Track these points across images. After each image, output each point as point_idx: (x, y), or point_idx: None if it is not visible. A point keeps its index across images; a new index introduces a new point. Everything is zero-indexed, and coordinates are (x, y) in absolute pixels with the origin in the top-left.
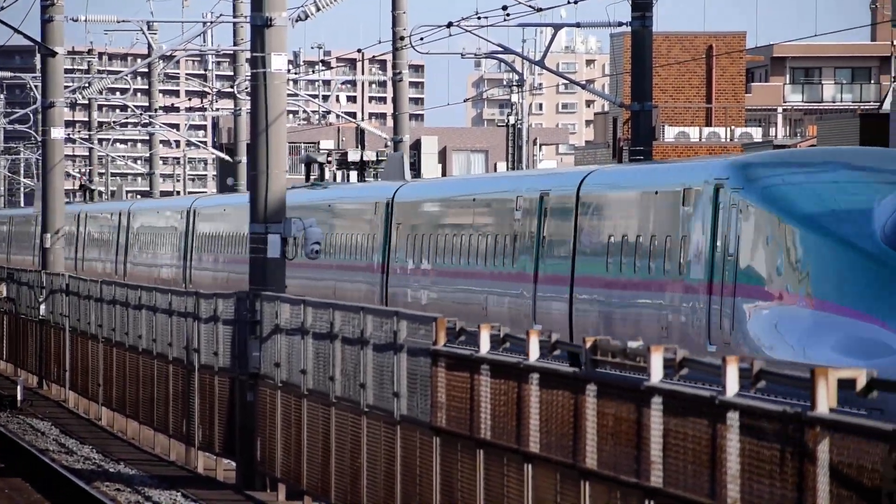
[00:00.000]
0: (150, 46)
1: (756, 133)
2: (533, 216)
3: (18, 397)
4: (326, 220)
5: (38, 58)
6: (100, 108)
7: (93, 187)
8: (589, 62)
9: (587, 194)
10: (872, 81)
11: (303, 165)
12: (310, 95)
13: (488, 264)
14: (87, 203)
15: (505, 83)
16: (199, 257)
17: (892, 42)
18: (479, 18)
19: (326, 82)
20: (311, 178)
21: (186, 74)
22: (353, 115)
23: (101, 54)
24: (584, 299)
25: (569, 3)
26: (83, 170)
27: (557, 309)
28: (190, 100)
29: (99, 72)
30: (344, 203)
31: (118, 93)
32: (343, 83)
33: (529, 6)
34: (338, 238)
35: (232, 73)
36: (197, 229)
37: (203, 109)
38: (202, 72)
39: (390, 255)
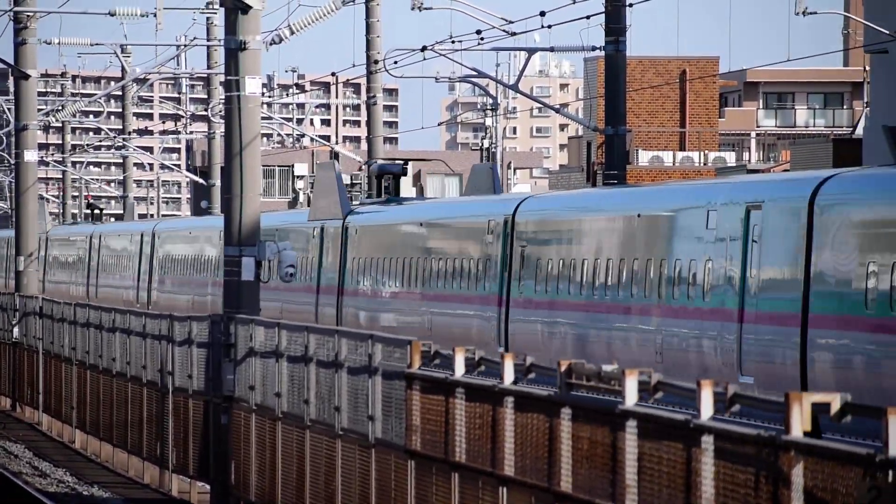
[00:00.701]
0: (123, 69)
1: (730, 157)
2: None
3: None
4: (414, 241)
5: (11, 80)
6: (73, 130)
7: (101, 206)
8: (563, 86)
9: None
10: (845, 107)
11: (335, 180)
12: (284, 118)
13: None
14: (98, 223)
15: (479, 107)
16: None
17: (865, 68)
18: (452, 42)
19: (301, 105)
20: (384, 193)
21: (160, 97)
22: (328, 138)
23: (74, 77)
24: None
25: (543, 27)
26: (57, 193)
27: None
28: (164, 123)
29: (72, 94)
30: (442, 221)
31: (91, 115)
32: (317, 106)
33: (503, 30)
34: (434, 263)
35: (206, 97)
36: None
37: (177, 132)
38: (176, 95)
39: (511, 283)
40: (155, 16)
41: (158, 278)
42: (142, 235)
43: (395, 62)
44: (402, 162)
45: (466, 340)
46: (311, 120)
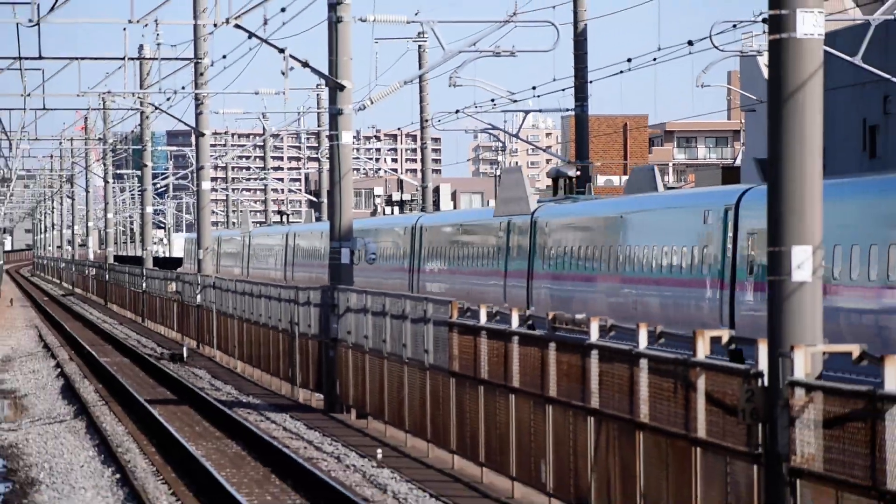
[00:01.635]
0: (264, 129)
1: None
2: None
3: (184, 355)
4: (613, 230)
5: (193, 137)
6: (232, 168)
7: (287, 212)
8: (548, 134)
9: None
10: (729, 146)
11: (522, 181)
12: (367, 158)
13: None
14: (287, 224)
15: (493, 148)
16: (425, 266)
17: (741, 121)
18: (476, 107)
19: (378, 149)
20: (559, 192)
21: (288, 145)
22: (395, 170)
23: (233, 134)
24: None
25: (534, 96)
26: (221, 210)
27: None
28: (290, 162)
29: (232, 145)
30: (646, 212)
31: (244, 159)
32: (388, 149)
33: (509, 98)
34: (635, 250)
35: (317, 145)
36: (424, 242)
37: (298, 169)
38: (297, 144)
39: (737, 267)
40: (284, 93)
41: (293, 262)
42: (285, 235)
43: (439, 120)
44: (576, 167)
45: (687, 320)
46: (385, 159)
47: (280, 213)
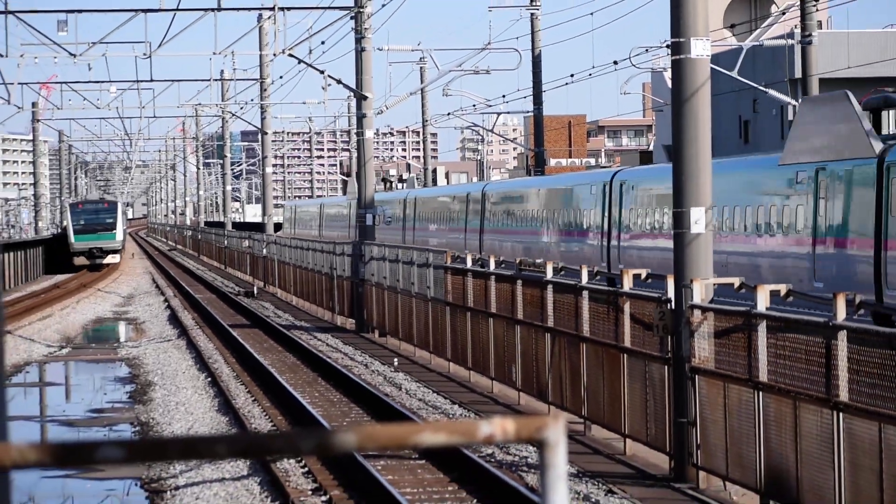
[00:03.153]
0: (310, 129)
1: (592, 162)
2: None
3: (255, 292)
4: (537, 202)
5: (259, 136)
6: (287, 157)
7: (391, 179)
8: (514, 130)
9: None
10: (645, 136)
11: (854, 113)
12: (384, 148)
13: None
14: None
15: (475, 140)
16: (490, 227)
17: (653, 118)
18: (462, 110)
19: (392, 142)
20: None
21: (327, 140)
22: (405, 157)
23: (288, 133)
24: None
25: (504, 101)
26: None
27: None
28: (329, 153)
29: (287, 141)
30: (555, 188)
31: (296, 150)
32: (399, 142)
33: (486, 103)
34: (557, 214)
35: (348, 139)
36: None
37: (334, 157)
38: (334, 139)
39: (611, 224)
40: (324, 103)
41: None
42: (348, 204)
43: (436, 120)
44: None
45: (584, 258)
46: (397, 149)
47: (384, 180)
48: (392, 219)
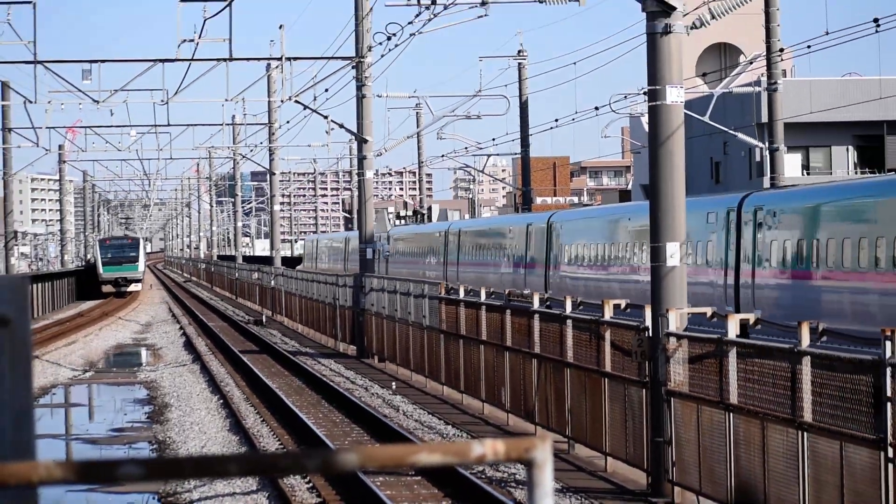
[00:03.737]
0: (314, 169)
1: (575, 200)
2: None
3: (263, 320)
4: (503, 238)
5: (268, 176)
6: (294, 196)
7: (423, 211)
8: (503, 170)
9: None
10: (625, 176)
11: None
12: (383, 188)
13: None
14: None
15: (467, 180)
16: (461, 260)
17: (631, 159)
18: (455, 153)
19: (390, 182)
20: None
21: (331, 180)
22: (402, 195)
23: (294, 173)
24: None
25: (493, 144)
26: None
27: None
28: (332, 191)
29: (293, 181)
30: (512, 225)
31: (302, 189)
32: (397, 182)
33: (477, 146)
34: (512, 249)
35: (349, 179)
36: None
37: (337, 195)
38: (337, 179)
39: (550, 256)
40: (327, 145)
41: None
42: (345, 239)
43: (431, 163)
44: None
45: (529, 286)
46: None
47: (416, 213)
48: (410, 253)
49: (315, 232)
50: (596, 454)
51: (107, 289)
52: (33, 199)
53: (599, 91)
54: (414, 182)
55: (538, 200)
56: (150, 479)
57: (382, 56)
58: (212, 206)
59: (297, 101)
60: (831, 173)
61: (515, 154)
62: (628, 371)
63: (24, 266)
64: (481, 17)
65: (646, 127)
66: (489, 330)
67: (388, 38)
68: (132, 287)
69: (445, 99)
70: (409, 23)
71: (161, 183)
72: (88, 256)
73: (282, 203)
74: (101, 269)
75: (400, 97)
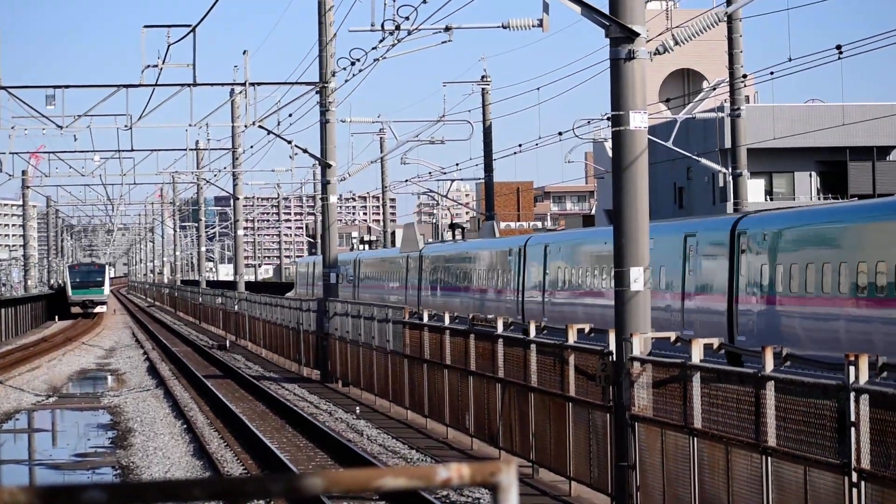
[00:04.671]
0: (278, 194)
1: (539, 224)
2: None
3: (227, 345)
4: (466, 263)
5: (231, 201)
6: (259, 222)
7: (373, 238)
8: (466, 195)
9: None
10: (588, 201)
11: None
12: (347, 212)
13: None
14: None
15: (430, 205)
16: (428, 287)
17: (594, 184)
18: (419, 178)
19: (354, 206)
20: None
21: (294, 205)
22: (366, 220)
23: (258, 198)
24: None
25: (457, 169)
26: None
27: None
28: (296, 216)
29: (257, 206)
30: (480, 250)
31: (266, 214)
32: (361, 207)
33: (441, 171)
34: (480, 273)
35: (313, 204)
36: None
37: (301, 219)
38: (301, 204)
39: (524, 282)
40: (291, 170)
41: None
42: (310, 264)
43: (395, 188)
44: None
45: (502, 310)
46: (358, 213)
47: (452, 226)
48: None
49: (288, 257)
50: (560, 479)
51: (75, 310)
52: None
53: (563, 116)
54: (378, 207)
55: (502, 225)
56: None
57: (346, 81)
58: (175, 231)
59: (260, 126)
60: (794, 199)
61: (479, 179)
62: (592, 395)
63: None
64: (445, 42)
65: (609, 152)
66: (453, 354)
67: (352, 64)
68: (98, 308)
69: (409, 124)
70: (373, 48)
71: (125, 208)
72: (57, 281)
73: (245, 228)
74: (70, 291)
75: (364, 122)
